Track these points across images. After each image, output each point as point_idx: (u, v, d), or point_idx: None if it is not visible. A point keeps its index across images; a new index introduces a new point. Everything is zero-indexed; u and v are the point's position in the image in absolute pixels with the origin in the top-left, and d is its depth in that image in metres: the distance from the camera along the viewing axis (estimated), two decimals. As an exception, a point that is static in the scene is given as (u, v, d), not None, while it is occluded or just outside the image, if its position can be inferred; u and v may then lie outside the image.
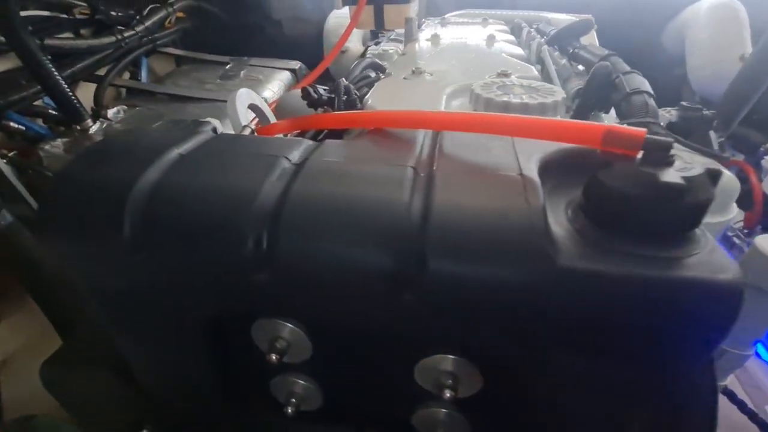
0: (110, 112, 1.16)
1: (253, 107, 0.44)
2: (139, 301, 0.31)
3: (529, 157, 0.28)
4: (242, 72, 1.45)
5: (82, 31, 1.34)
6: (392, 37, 1.39)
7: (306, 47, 1.67)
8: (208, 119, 0.38)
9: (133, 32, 1.34)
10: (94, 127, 1.08)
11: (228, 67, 1.50)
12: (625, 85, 0.49)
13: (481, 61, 0.59)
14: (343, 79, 0.45)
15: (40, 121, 1.15)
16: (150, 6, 1.44)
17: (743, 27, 1.22)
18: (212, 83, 1.41)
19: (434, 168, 0.27)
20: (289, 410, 0.37)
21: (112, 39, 1.28)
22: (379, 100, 0.46)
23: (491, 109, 0.41)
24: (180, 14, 1.55)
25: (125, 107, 1.21)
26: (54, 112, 1.16)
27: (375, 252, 0.23)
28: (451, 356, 0.30)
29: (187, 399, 0.39)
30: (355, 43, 1.45)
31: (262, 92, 1.34)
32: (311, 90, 0.40)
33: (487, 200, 0.24)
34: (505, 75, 0.48)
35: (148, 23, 1.39)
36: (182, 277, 0.27)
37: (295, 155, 0.29)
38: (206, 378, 0.38)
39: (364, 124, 0.33)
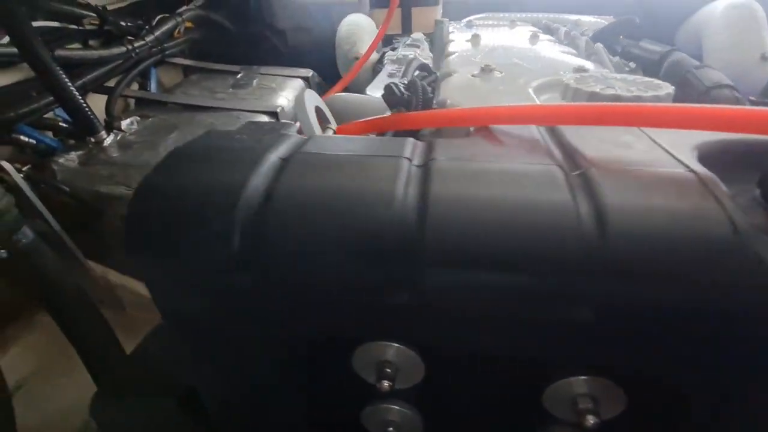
0: (124, 124, 1.12)
1: (316, 109, 0.41)
2: (234, 323, 0.27)
3: (681, 151, 0.25)
4: (254, 80, 1.42)
5: (91, 42, 1.30)
6: (408, 42, 1.37)
7: (310, 56, 1.65)
8: (286, 121, 0.34)
9: (143, 42, 1.31)
10: (108, 139, 1.04)
11: (239, 76, 1.47)
12: (700, 80, 0.46)
13: (542, 59, 0.57)
14: (416, 78, 0.42)
15: (50, 134, 1.11)
16: (159, 16, 1.42)
17: (762, 27, 1.21)
18: (224, 92, 1.38)
19: (581, 166, 0.24)
20: (387, 441, 0.33)
21: (123, 49, 1.25)
22: (459, 97, 0.43)
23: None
24: (188, 24, 1.52)
25: (138, 118, 1.17)
26: (65, 125, 1.12)
27: (544, 267, 0.20)
28: (587, 377, 0.27)
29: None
30: (369, 50, 1.42)
31: (276, 100, 1.31)
32: (395, 88, 0.37)
33: (668, 202, 0.21)
34: (584, 70, 0.45)
35: (157, 33, 1.36)
36: (301, 298, 0.23)
37: (413, 156, 0.26)
38: (291, 408, 0.34)
39: (483, 121, 0.30)
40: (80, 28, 1.22)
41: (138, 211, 0.24)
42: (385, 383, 0.28)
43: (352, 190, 0.23)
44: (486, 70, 0.51)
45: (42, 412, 0.98)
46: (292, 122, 0.32)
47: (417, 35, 1.35)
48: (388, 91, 0.37)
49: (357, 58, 1.43)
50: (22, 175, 0.82)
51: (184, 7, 1.49)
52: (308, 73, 1.49)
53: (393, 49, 1.31)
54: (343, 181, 0.24)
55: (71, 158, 0.99)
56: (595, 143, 0.27)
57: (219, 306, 0.25)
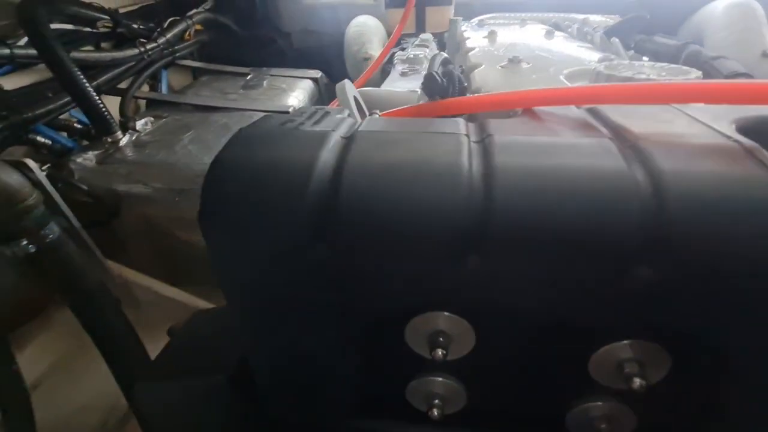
0: (138, 124, 1.13)
1: (354, 98, 0.43)
2: (301, 295, 0.28)
3: (721, 125, 0.26)
4: (264, 81, 1.44)
5: (104, 45, 1.32)
6: (417, 42, 1.40)
7: (316, 58, 1.67)
8: (334, 107, 0.36)
9: (155, 44, 1.32)
10: (124, 139, 1.06)
11: (249, 77, 1.49)
12: (718, 70, 0.48)
13: (563, 53, 0.59)
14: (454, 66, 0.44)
15: (65, 135, 1.12)
16: (170, 19, 1.44)
17: (762, 24, 1.25)
18: (235, 93, 1.40)
19: (630, 139, 0.26)
20: (435, 413, 0.34)
21: (135, 51, 1.27)
22: (493, 86, 0.44)
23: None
24: (198, 27, 1.54)
25: (152, 119, 1.19)
26: (79, 125, 1.14)
27: (608, 232, 0.22)
28: (633, 341, 0.28)
29: (316, 409, 0.37)
30: (377, 52, 1.45)
31: (287, 101, 1.33)
32: (437, 77, 0.38)
33: (718, 168, 0.22)
34: (610, 60, 0.47)
35: (168, 36, 1.38)
36: (371, 268, 0.25)
37: (469, 133, 0.28)
38: (341, 383, 0.35)
39: (527, 104, 0.32)
40: (94, 30, 1.23)
41: (214, 186, 0.26)
42: (440, 351, 0.29)
43: (419, 163, 0.24)
44: (514, 61, 0.52)
45: (60, 409, 0.99)
46: (340, 108, 0.34)
47: (425, 35, 1.37)
48: (430, 79, 0.38)
49: (366, 59, 1.45)
50: (44, 173, 0.83)
51: (194, 10, 1.51)
52: (317, 74, 1.52)
53: (402, 49, 1.33)
54: (409, 155, 0.25)
55: (89, 157, 1.00)
56: (637, 121, 0.28)
57: (288, 277, 0.26)
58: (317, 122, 0.30)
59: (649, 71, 0.41)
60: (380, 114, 0.38)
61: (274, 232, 0.25)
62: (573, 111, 0.32)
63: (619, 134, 0.27)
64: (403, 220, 0.23)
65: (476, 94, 0.35)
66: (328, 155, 0.26)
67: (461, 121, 0.30)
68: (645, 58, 0.65)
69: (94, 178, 0.98)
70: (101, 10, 1.22)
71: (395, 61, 1.24)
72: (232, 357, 0.36)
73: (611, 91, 0.29)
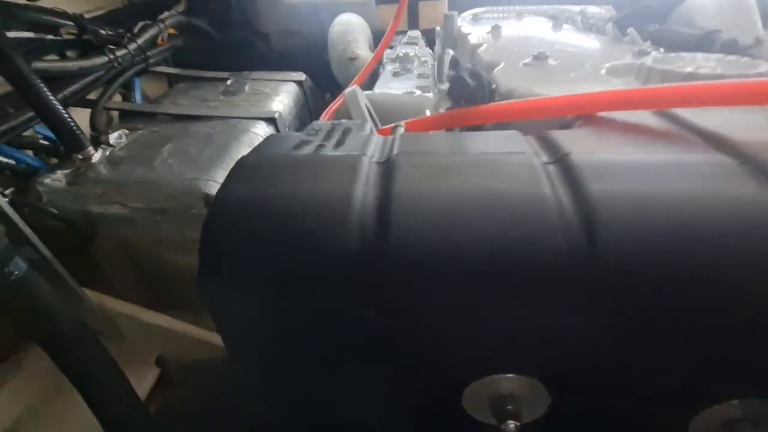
0: (112, 138, 1.04)
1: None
2: (342, 360, 0.22)
3: None
4: (246, 86, 1.36)
5: (69, 53, 1.22)
6: (405, 41, 1.34)
7: (297, 60, 1.60)
8: (354, 120, 0.30)
9: (125, 51, 1.23)
10: (96, 155, 0.97)
11: (229, 82, 1.41)
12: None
13: (584, 46, 0.54)
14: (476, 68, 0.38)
15: (30, 153, 1.02)
16: (141, 23, 1.34)
17: (752, 10, 1.24)
18: (215, 100, 1.32)
19: (748, 154, 0.20)
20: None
21: (104, 59, 1.17)
22: (529, 87, 0.39)
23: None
24: (171, 31, 1.45)
25: (126, 131, 1.10)
26: (46, 142, 1.04)
27: (747, 277, 0.16)
28: (746, 399, 0.23)
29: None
30: (364, 50, 1.39)
31: (272, 106, 1.26)
32: (468, 79, 0.33)
33: None
34: (645, 53, 0.42)
35: (140, 41, 1.29)
36: (434, 325, 0.19)
37: (536, 151, 0.22)
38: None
39: (588, 109, 0.26)
40: (57, 38, 1.13)
41: (218, 235, 0.19)
42: (512, 425, 0.23)
43: (491, 196, 0.19)
44: (540, 57, 0.47)
45: (36, 458, 0.90)
46: (360, 121, 0.28)
47: (413, 32, 1.32)
48: (461, 82, 0.33)
49: (353, 59, 1.39)
50: (6, 199, 0.74)
51: (166, 14, 1.42)
52: (301, 77, 1.44)
53: (390, 47, 1.27)
54: (474, 186, 0.19)
55: (57, 178, 0.91)
56: (730, 127, 0.23)
57: (322, 341, 0.20)
58: (339, 143, 0.24)
59: (707, 64, 0.36)
60: (405, 126, 0.33)
61: (303, 290, 0.19)
62: (643, 117, 0.27)
63: (724, 146, 0.22)
64: (482, 271, 0.17)
65: (529, 98, 0.30)
66: (364, 188, 0.20)
67: (518, 134, 0.25)
68: (661, 49, 0.60)
69: (65, 201, 0.90)
70: (64, 15, 1.13)
71: (384, 61, 1.18)
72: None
73: (714, 91, 0.23)
